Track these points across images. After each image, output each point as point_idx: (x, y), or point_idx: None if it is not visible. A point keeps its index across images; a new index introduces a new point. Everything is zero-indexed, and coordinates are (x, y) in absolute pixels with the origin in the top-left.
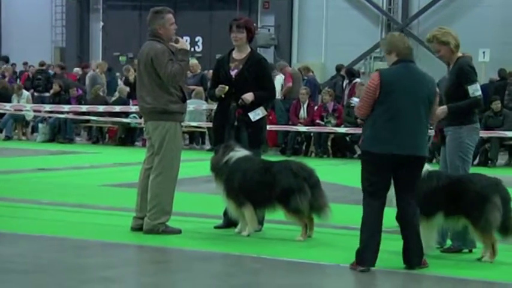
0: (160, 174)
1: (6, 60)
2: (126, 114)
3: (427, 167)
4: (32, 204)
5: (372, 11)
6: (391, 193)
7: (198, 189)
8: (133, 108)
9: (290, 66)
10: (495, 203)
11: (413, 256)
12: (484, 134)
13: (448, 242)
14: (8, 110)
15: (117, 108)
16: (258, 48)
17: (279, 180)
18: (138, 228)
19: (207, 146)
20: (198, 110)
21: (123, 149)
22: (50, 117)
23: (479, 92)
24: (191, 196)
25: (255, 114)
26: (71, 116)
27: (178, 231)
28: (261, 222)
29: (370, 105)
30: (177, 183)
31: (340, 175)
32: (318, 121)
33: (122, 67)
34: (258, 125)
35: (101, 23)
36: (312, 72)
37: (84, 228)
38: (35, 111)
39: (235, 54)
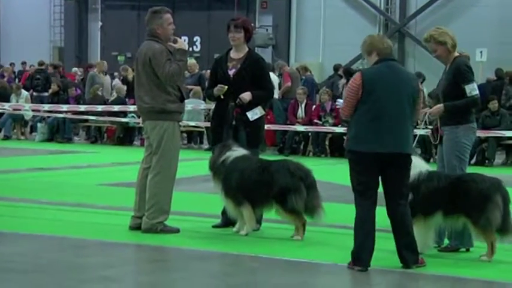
0: (158, 174)
1: None
2: (124, 114)
3: (426, 166)
4: (31, 204)
5: (369, 10)
6: None
7: (196, 189)
8: (131, 107)
9: (288, 66)
10: (496, 202)
11: (407, 255)
12: (481, 133)
13: (446, 241)
14: (6, 109)
15: (116, 108)
16: (256, 48)
17: (276, 180)
18: (136, 228)
19: (205, 145)
20: (196, 109)
21: (121, 149)
22: (48, 116)
23: (476, 92)
24: (189, 195)
25: (253, 114)
26: (69, 115)
27: (177, 231)
28: (259, 221)
29: (353, 106)
30: (175, 182)
31: (337, 174)
32: (315, 121)
33: (120, 67)
34: (256, 125)
35: (100, 23)
36: (310, 71)
37: (83, 227)
38: (33, 110)
39: (233, 54)
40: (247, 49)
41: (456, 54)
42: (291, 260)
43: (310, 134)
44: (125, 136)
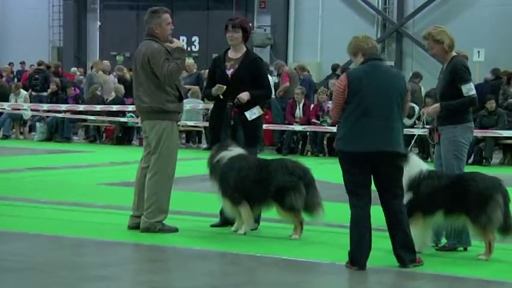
0: (157, 173)
1: None
2: (123, 114)
3: (426, 166)
4: (29, 203)
5: (367, 10)
6: None
7: (194, 188)
8: (130, 107)
9: (286, 66)
10: (497, 201)
11: (403, 254)
12: (478, 133)
13: (443, 240)
14: (5, 109)
15: (114, 108)
16: (255, 48)
17: (274, 178)
18: (135, 227)
19: (204, 145)
20: (194, 109)
21: (120, 148)
22: (47, 116)
23: (473, 92)
24: (188, 195)
25: (251, 114)
26: (68, 115)
27: (175, 230)
28: (257, 220)
29: (341, 107)
30: (174, 181)
31: (335, 174)
32: (313, 120)
33: (115, 67)
34: (254, 124)
35: (98, 23)
36: (308, 71)
37: (82, 226)
38: (32, 110)
39: (231, 54)
40: (245, 49)
41: (454, 53)
42: (289, 259)
43: (308, 133)
44: (124, 136)
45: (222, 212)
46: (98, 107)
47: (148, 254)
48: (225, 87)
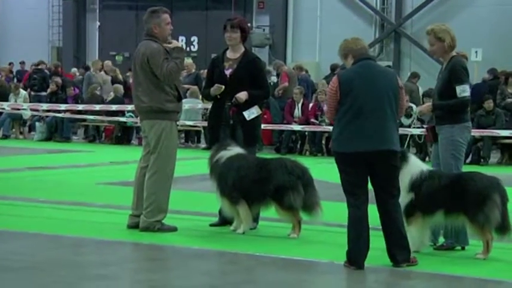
0: (156, 173)
1: None
2: (122, 113)
3: (426, 166)
4: (29, 202)
5: (365, 11)
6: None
7: (193, 188)
8: (129, 107)
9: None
10: (495, 201)
11: (397, 253)
12: (476, 132)
13: (441, 240)
14: (5, 109)
15: (114, 107)
16: (253, 48)
17: (273, 178)
18: (134, 226)
19: (203, 144)
20: (193, 109)
21: (119, 148)
22: (47, 116)
23: (467, 94)
24: (187, 194)
25: (250, 113)
26: (67, 115)
27: (174, 229)
28: (256, 219)
29: (334, 108)
30: (173, 181)
31: (334, 173)
32: (312, 120)
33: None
34: (253, 124)
35: (98, 23)
36: (306, 71)
37: (81, 226)
38: (32, 110)
39: (229, 54)
40: (243, 49)
41: (454, 53)
42: (288, 258)
43: (306, 133)
44: (123, 135)
45: (221, 212)
46: (98, 107)
47: (147, 253)
48: (223, 87)
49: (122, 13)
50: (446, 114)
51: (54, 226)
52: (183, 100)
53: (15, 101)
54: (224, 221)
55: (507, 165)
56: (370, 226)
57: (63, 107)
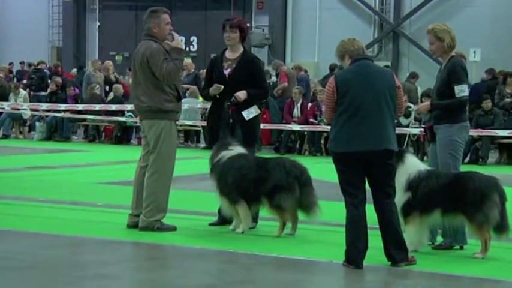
0: (155, 172)
1: None
2: (122, 113)
3: (424, 165)
4: (29, 202)
5: (364, 11)
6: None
7: (193, 187)
8: (129, 107)
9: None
10: (494, 200)
11: (394, 252)
12: (474, 132)
13: (439, 239)
14: (5, 108)
15: (113, 107)
16: (252, 48)
17: (270, 177)
18: (133, 226)
19: (202, 144)
20: (192, 108)
21: (119, 147)
22: (47, 116)
23: (465, 93)
24: (186, 194)
25: (249, 113)
26: (67, 114)
27: (174, 228)
28: (255, 219)
29: (332, 109)
30: (173, 180)
31: (332, 173)
32: (311, 120)
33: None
34: (252, 124)
35: (97, 23)
36: (305, 71)
37: (81, 225)
38: (32, 110)
39: (228, 54)
40: (242, 49)
41: (453, 53)
42: (287, 258)
43: (305, 133)
44: (123, 135)
45: (220, 211)
46: (97, 107)
47: (147, 253)
48: (222, 87)
49: (121, 13)
50: (445, 113)
51: (54, 225)
52: (183, 100)
53: (15, 101)
54: (223, 220)
55: (505, 165)
56: (368, 225)
57: (63, 106)
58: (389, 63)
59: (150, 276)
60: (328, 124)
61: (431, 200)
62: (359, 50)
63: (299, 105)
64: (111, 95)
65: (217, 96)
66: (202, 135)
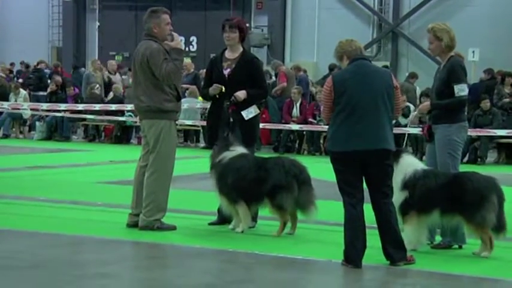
0: (155, 172)
1: None
2: (121, 113)
3: (421, 165)
4: (29, 201)
5: (363, 11)
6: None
7: (192, 187)
8: (128, 106)
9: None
10: (492, 202)
11: (393, 252)
12: (473, 132)
13: (438, 238)
14: (5, 108)
15: (113, 107)
16: (252, 48)
17: (270, 176)
18: (133, 225)
19: (202, 143)
20: (192, 108)
21: (118, 147)
22: (47, 115)
23: (464, 93)
24: (186, 193)
25: (248, 113)
26: (67, 114)
27: (173, 228)
28: (254, 218)
29: (330, 108)
30: (172, 180)
31: (331, 172)
32: (310, 119)
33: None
34: (252, 123)
35: (97, 23)
36: (304, 71)
37: (80, 224)
38: (32, 109)
39: (227, 54)
40: (241, 49)
41: (452, 53)
42: (286, 257)
43: (304, 132)
44: (122, 135)
45: (220, 210)
46: (97, 106)
47: (146, 252)
48: (222, 87)
49: (121, 13)
50: (444, 113)
51: (54, 225)
52: (182, 100)
53: (15, 101)
54: (223, 219)
55: (504, 165)
56: (366, 225)
57: (63, 106)
58: (388, 64)
59: (150, 275)
60: (327, 124)
61: (429, 200)
62: (357, 51)
63: (298, 105)
64: (111, 94)
65: (217, 96)
66: (201, 135)
